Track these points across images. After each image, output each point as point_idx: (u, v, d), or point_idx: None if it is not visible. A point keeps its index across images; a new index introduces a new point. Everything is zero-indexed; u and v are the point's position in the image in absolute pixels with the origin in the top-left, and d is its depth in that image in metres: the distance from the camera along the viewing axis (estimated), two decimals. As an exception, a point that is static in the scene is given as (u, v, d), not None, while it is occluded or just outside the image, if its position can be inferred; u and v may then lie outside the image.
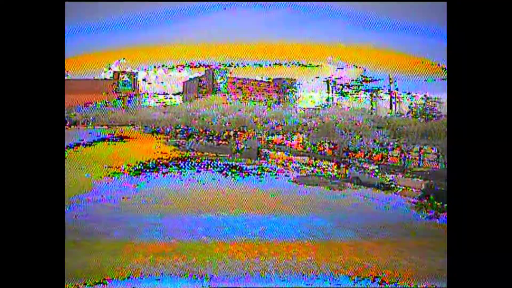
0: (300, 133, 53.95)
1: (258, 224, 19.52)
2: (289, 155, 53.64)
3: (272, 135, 60.92)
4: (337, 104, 37.80)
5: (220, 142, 60.84)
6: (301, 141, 47.27)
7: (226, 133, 59.74)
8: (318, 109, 52.74)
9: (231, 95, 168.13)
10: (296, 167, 42.31)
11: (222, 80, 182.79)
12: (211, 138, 65.61)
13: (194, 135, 77.96)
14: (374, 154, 41.62)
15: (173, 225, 19.38)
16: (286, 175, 35.89)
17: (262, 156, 47.89)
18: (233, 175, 35.76)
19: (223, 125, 49.28)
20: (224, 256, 15.36)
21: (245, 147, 50.43)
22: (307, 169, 40.90)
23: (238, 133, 54.98)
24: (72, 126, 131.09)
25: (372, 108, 65.02)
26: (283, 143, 64.32)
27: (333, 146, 33.59)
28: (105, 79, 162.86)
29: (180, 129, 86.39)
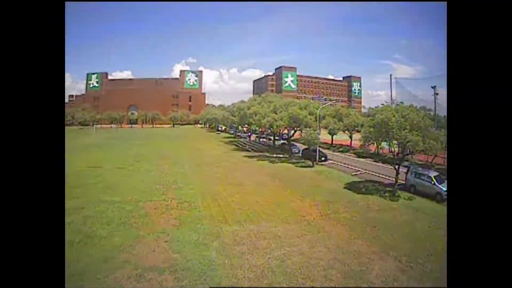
0: (358, 131, 49.53)
1: (286, 243, 16.69)
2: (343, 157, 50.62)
3: (333, 134, 57.24)
4: (401, 102, 33.46)
5: (282, 141, 58.49)
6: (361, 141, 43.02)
7: (285, 132, 57.03)
8: (381, 107, 48.08)
9: (301, 93, 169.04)
10: (353, 170, 38.92)
11: (291, 78, 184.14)
12: (270, 137, 63.46)
13: (255, 134, 76.52)
14: (434, 157, 36.45)
15: (186, 236, 17.56)
16: (338, 181, 32.36)
17: (322, 158, 44.49)
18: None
19: (275, 122, 46.38)
20: (223, 282, 13.04)
21: (305, 148, 46.97)
22: (366, 173, 37.21)
23: (297, 132, 51.76)
24: (133, 125, 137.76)
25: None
26: (342, 144, 60.35)
27: (390, 148, 29.14)
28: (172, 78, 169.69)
29: (245, 128, 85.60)
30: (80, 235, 17.10)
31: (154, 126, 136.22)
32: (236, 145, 64.93)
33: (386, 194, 26.29)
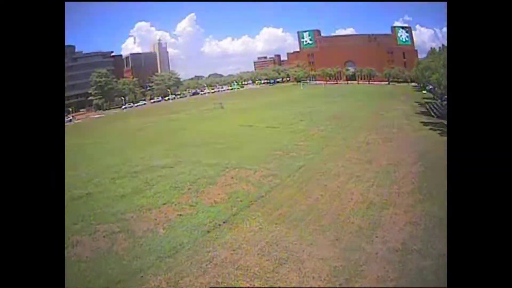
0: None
1: None
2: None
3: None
4: None
5: None
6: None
7: None
8: None
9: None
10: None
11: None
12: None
13: None
14: None
15: (187, 228, 16.28)
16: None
17: None
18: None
19: (442, 80, 36.64)
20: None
21: None
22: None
23: None
24: (349, 82, 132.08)
25: None
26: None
27: None
28: (384, 34, 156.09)
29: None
30: (120, 188, 19.87)
31: (370, 82, 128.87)
32: (426, 108, 54.75)
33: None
